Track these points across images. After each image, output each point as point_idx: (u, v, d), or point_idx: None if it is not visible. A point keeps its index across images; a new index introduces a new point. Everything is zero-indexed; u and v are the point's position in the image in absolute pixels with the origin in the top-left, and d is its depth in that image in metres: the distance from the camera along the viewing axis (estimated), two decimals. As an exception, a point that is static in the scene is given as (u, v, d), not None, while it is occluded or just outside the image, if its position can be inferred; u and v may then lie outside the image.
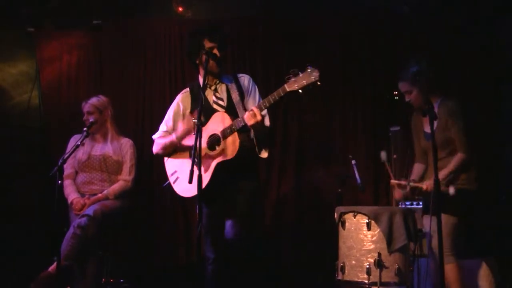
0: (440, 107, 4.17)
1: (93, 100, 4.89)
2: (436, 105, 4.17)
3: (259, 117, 3.67)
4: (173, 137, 4.01)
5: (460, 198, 4.03)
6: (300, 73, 3.59)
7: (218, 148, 3.84)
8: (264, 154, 3.87)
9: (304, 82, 3.56)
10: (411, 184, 4.17)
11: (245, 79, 4.08)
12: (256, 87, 4.05)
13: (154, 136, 4.18)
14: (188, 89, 4.18)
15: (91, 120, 4.73)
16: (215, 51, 3.92)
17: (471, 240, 4.42)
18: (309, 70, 3.57)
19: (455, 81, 5.29)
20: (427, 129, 4.27)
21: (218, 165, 3.82)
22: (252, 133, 3.85)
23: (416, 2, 5.50)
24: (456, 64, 5.42)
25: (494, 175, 5.27)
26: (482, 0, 5.43)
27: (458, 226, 4.08)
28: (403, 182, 4.23)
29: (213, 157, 3.84)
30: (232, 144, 3.78)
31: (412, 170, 4.50)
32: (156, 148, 4.13)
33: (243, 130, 3.81)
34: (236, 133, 3.78)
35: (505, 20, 5.39)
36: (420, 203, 4.26)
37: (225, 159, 3.80)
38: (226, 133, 3.81)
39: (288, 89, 3.61)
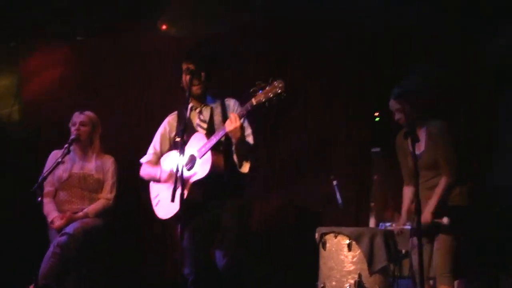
0: (429, 127, 4.20)
1: (89, 113, 4.85)
2: (425, 127, 4.22)
3: (238, 123, 3.70)
4: (157, 173, 4.07)
5: (453, 215, 4.03)
6: (265, 86, 3.62)
7: (194, 168, 3.87)
8: (245, 169, 3.88)
9: (270, 94, 3.60)
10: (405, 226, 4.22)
11: (230, 102, 4.12)
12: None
13: (142, 160, 4.26)
14: (176, 112, 4.23)
15: (74, 135, 4.66)
16: (194, 71, 3.97)
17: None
18: (275, 82, 3.60)
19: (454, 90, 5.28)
20: (415, 150, 4.29)
21: (192, 184, 3.84)
22: (233, 147, 3.87)
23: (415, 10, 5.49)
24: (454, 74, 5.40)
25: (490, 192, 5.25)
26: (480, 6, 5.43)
27: (456, 245, 4.08)
28: (398, 229, 4.26)
29: (189, 177, 3.86)
30: (205, 163, 3.81)
31: (402, 195, 4.49)
32: (142, 173, 4.25)
33: (219, 150, 3.85)
34: (209, 152, 3.80)
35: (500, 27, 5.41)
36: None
37: (198, 178, 3.82)
38: (201, 153, 3.84)
39: (254, 103, 3.66)
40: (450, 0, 5.38)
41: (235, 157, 3.89)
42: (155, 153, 4.21)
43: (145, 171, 4.20)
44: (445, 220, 4.01)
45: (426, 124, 4.22)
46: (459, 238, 4.10)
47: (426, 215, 4.04)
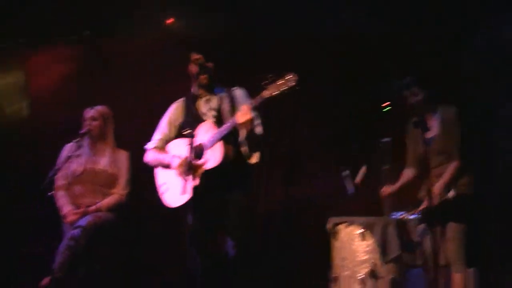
0: (440, 114, 4.23)
1: (100, 107, 4.85)
2: (437, 112, 4.25)
3: (249, 115, 3.70)
4: (166, 159, 4.06)
5: (463, 204, 4.07)
6: (277, 79, 3.62)
7: (203, 157, 3.87)
8: (254, 159, 3.91)
9: (283, 87, 3.60)
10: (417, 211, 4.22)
11: (238, 92, 4.13)
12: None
13: (147, 146, 4.22)
14: (182, 99, 4.23)
15: (85, 130, 4.66)
16: (202, 62, 3.99)
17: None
18: (287, 76, 3.61)
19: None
20: (428, 135, 4.31)
21: (203, 174, 3.84)
22: (240, 138, 3.87)
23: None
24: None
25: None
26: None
27: (467, 233, 4.11)
28: (409, 215, 4.26)
29: (199, 167, 3.85)
30: (216, 153, 3.81)
31: (401, 175, 4.52)
32: (147, 159, 4.21)
33: (228, 140, 3.85)
34: (221, 142, 3.81)
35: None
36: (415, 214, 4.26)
37: (209, 167, 3.82)
38: (211, 142, 3.84)
39: (265, 96, 3.66)
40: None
41: (243, 148, 3.90)
42: (161, 139, 4.19)
43: (152, 156, 4.17)
44: (450, 193, 4.03)
45: (439, 110, 4.24)
46: (469, 226, 4.11)
47: (439, 185, 4.07)
